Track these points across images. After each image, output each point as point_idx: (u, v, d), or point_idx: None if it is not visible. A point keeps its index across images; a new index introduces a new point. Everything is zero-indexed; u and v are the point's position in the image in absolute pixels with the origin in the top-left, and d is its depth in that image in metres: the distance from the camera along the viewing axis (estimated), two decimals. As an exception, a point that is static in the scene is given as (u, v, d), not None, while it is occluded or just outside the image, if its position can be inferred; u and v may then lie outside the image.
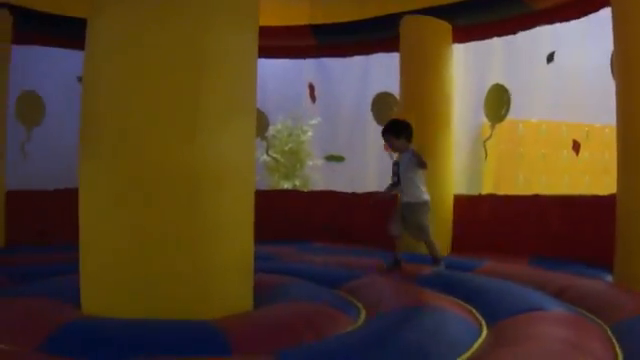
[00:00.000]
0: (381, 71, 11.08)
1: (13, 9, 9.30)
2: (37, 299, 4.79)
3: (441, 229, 9.04)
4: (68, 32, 9.41)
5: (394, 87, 9.92)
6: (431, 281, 6.03)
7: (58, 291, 5.10)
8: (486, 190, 10.79)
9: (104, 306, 4.45)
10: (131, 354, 3.60)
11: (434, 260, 7.10)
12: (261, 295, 4.95)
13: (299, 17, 10.21)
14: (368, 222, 9.92)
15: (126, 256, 4.42)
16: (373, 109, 10.79)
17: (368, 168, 11.95)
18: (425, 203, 7.08)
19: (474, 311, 4.94)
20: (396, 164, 7.21)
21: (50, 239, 9.17)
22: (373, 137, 11.18)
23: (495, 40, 9.88)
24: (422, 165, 6.90)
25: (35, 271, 6.38)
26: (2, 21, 9.29)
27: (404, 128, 7.19)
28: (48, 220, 9.71)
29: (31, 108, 10.36)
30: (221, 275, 4.53)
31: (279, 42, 10.50)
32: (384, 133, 7.25)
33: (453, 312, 4.63)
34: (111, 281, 4.48)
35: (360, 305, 5.18)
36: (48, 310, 4.48)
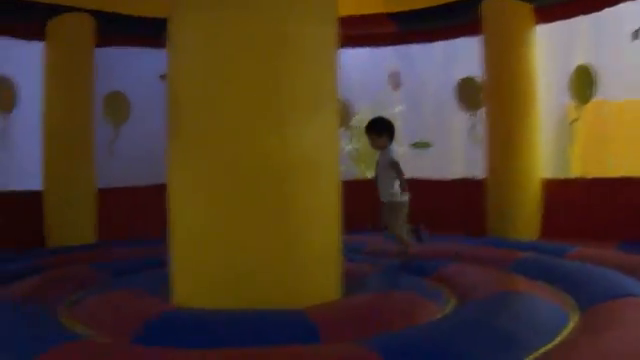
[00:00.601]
0: (464, 56, 10.94)
1: (95, 13, 9.63)
2: (130, 292, 4.99)
3: (529, 213, 8.95)
4: (149, 32, 9.68)
5: (478, 72, 9.82)
6: (521, 267, 5.97)
7: (150, 284, 5.30)
8: (574, 173, 10.55)
9: (195, 297, 4.60)
10: (223, 343, 3.72)
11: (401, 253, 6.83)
12: (349, 284, 5.01)
13: (378, 5, 10.20)
14: (456, 209, 9.88)
15: (216, 248, 4.56)
16: (457, 94, 10.72)
17: (455, 154, 11.84)
18: (399, 204, 6.85)
19: (565, 297, 4.89)
20: (376, 164, 7.05)
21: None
22: (458, 123, 11.08)
23: (579, 20, 9.66)
24: (393, 166, 6.74)
25: (127, 266, 6.62)
26: (85, 25, 9.65)
27: (387, 127, 7.01)
28: (138, 215, 10.02)
29: (117, 107, 10.71)
30: (310, 264, 4.62)
31: (360, 31, 10.51)
32: (367, 130, 7.10)
33: (543, 298, 4.60)
34: (202, 273, 4.62)
35: (449, 293, 5.19)
36: (142, 303, 4.67)
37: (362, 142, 12.20)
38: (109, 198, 9.93)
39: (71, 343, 3.75)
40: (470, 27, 9.83)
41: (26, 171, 9.84)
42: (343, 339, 3.79)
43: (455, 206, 10.02)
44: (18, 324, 4.24)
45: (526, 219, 9.03)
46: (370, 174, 12.37)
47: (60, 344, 3.66)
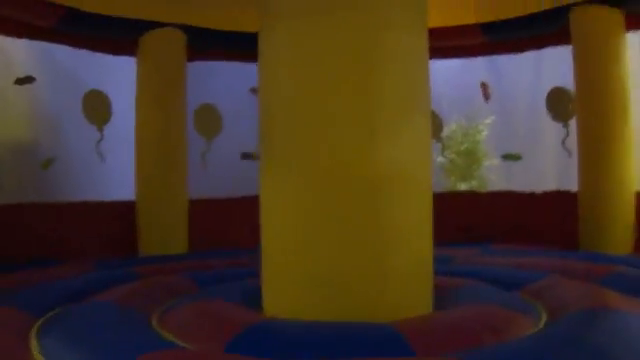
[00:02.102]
0: (555, 65, 10.76)
1: (186, 28, 9.86)
2: (221, 302, 5.05)
3: (622, 227, 8.73)
4: (239, 46, 9.84)
5: (569, 81, 9.64)
6: (614, 282, 5.81)
7: (241, 294, 5.36)
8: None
9: (286, 308, 4.63)
10: (313, 355, 3.73)
11: None
12: (441, 297, 4.97)
13: (467, 16, 10.13)
14: (549, 222, 9.71)
15: (307, 260, 4.58)
16: (548, 105, 10.54)
17: (546, 166, 11.64)
18: None
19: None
20: None
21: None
22: (550, 134, 10.89)
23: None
24: None
25: (219, 275, 6.71)
26: (176, 40, 9.89)
27: None
28: (229, 226, 10.16)
29: (209, 120, 10.91)
30: (401, 278, 4.58)
31: (449, 42, 10.47)
32: None
33: (638, 314, 4.47)
34: (292, 284, 4.65)
35: (541, 307, 5.09)
36: (232, 312, 4.71)
37: (454, 154, 12.14)
38: (201, 209, 10.11)
39: (165, 351, 3.82)
40: (560, 36, 9.68)
41: (120, 182, 10.11)
42: (435, 353, 3.75)
43: (547, 219, 9.84)
44: (114, 330, 4.35)
45: (620, 233, 8.80)
46: (463, 186, 12.31)
47: (154, 351, 3.73)
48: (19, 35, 9.26)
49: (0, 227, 8.80)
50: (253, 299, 5.03)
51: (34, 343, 4.30)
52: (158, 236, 9.55)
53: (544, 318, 4.79)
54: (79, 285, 6.21)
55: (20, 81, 9.61)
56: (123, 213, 9.88)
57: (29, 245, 8.86)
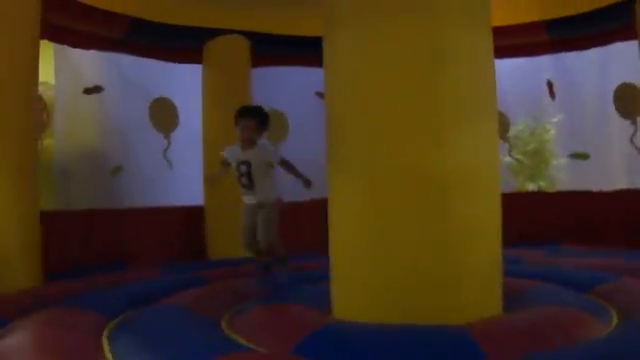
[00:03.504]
0: (622, 61, 10.55)
1: (249, 34, 9.96)
2: (290, 305, 5.09)
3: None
4: (303, 51, 9.89)
5: (637, 77, 9.45)
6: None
7: (310, 298, 5.40)
8: None
9: (355, 311, 4.64)
10: (382, 358, 3.74)
11: (279, 259, 6.50)
12: (510, 299, 4.93)
13: (530, 14, 10.02)
14: (619, 221, 9.53)
15: (377, 262, 4.58)
16: (616, 102, 10.35)
17: (615, 164, 11.42)
18: (278, 200, 6.41)
19: None
20: (245, 163, 6.25)
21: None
22: (618, 131, 10.68)
23: None
24: (284, 164, 6.47)
25: (286, 279, 6.75)
26: (240, 46, 10.01)
27: (268, 119, 6.49)
28: (296, 230, 10.21)
29: (276, 125, 10.99)
30: (471, 279, 4.55)
31: (513, 41, 10.35)
32: (249, 116, 6.34)
33: None
34: (362, 287, 4.65)
35: (612, 309, 5.00)
36: (301, 315, 4.76)
37: (522, 153, 12.00)
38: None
39: (238, 353, 3.86)
40: (626, 31, 9.48)
41: (188, 188, 10.26)
42: (505, 356, 3.73)
43: (616, 218, 9.66)
44: (185, 333, 4.42)
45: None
46: (532, 186, 12.14)
47: (227, 354, 3.78)
48: (87, 46, 9.48)
49: (72, 233, 9.02)
50: (322, 302, 5.06)
51: (106, 344, 4.40)
52: (226, 240, 9.65)
53: (615, 320, 4.70)
54: (149, 289, 6.33)
55: (89, 91, 9.84)
56: (191, 218, 10.05)
57: (100, 250, 9.07)
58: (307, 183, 6.49)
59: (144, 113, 10.19)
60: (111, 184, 10.07)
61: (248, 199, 6.39)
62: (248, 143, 6.26)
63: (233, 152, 6.36)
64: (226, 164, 6.47)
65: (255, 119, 6.30)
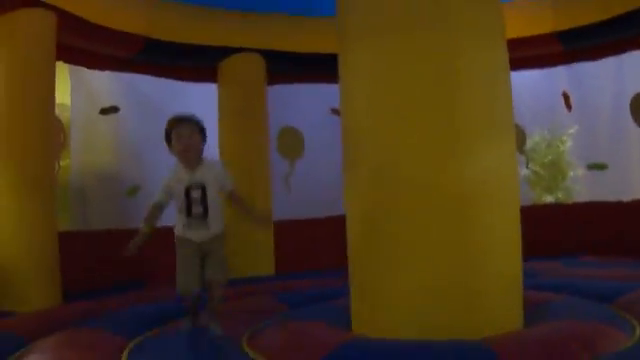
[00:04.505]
0: (637, 70, 10.53)
1: (264, 52, 9.99)
2: (310, 322, 5.07)
3: None
4: (318, 68, 9.92)
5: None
6: None
7: (329, 315, 5.37)
8: None
9: (375, 327, 4.61)
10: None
11: (214, 304, 5.29)
12: (531, 313, 4.89)
13: (543, 25, 10.00)
14: (638, 233, 9.47)
15: (396, 278, 4.54)
16: (632, 110, 10.31)
17: (634, 173, 11.36)
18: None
19: None
20: (198, 187, 5.08)
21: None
22: (635, 140, 10.64)
23: None
24: (229, 193, 5.23)
25: (306, 297, 6.74)
26: (255, 64, 10.04)
27: (206, 131, 5.31)
28: (314, 247, 10.20)
29: (292, 142, 11.01)
30: (491, 293, 4.51)
31: (527, 53, 10.34)
32: (193, 122, 5.21)
33: None
34: (382, 303, 4.62)
35: (634, 320, 4.95)
36: (322, 332, 4.73)
37: (539, 166, 11.97)
38: (286, 230, 10.20)
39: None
40: (639, 39, 9.46)
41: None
42: (528, 371, 3.70)
43: (636, 229, 9.60)
44: (205, 352, 4.42)
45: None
46: (549, 198, 12.08)
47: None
48: (101, 67, 9.55)
49: (89, 253, 9.04)
50: (341, 319, 5.04)
51: (126, 366, 4.40)
52: (244, 258, 9.65)
53: (638, 331, 4.66)
54: (168, 308, 6.32)
55: (105, 111, 9.91)
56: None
57: (118, 270, 9.08)
58: (261, 220, 5.77)
59: (160, 133, 10.21)
60: (128, 204, 10.10)
61: (197, 235, 5.15)
62: (195, 160, 5.11)
63: (175, 176, 5.16)
64: (152, 219, 5.39)
65: (199, 127, 5.18)
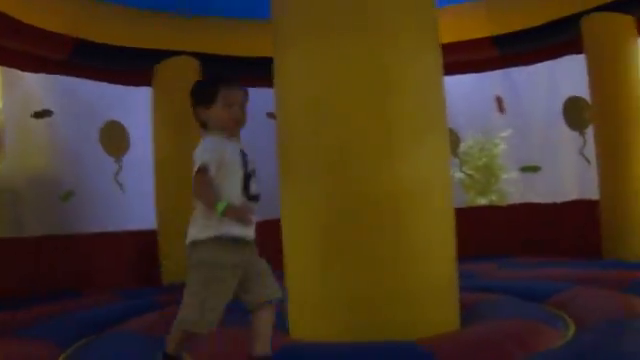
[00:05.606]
0: (570, 75, 10.75)
1: (199, 56, 9.91)
2: (246, 327, 5.04)
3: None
4: (254, 72, 9.86)
5: (584, 90, 9.64)
6: (639, 289, 5.74)
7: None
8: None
9: (312, 331, 4.62)
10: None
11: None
12: (466, 313, 4.95)
13: (480, 30, 10.13)
14: (571, 232, 9.68)
15: (331, 281, 4.55)
16: (564, 114, 10.52)
17: (566, 176, 11.59)
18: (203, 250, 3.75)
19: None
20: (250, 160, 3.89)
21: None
22: (567, 143, 10.85)
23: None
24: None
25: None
26: (190, 68, 9.94)
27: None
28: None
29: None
30: (427, 295, 4.55)
31: (463, 57, 10.46)
32: (243, 92, 4.00)
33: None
34: (317, 306, 4.63)
35: (568, 318, 5.05)
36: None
37: (472, 169, 12.12)
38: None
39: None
40: (572, 45, 9.67)
41: (140, 212, 10.15)
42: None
43: (569, 229, 9.80)
44: (142, 358, 4.36)
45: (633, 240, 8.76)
46: (483, 200, 12.23)
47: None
48: (33, 69, 9.35)
49: (22, 260, 8.85)
50: (278, 324, 5.02)
51: (61, 375, 4.32)
52: (180, 264, 9.55)
53: (572, 329, 4.75)
54: (103, 316, 6.23)
55: (38, 115, 9.70)
56: (144, 242, 9.91)
57: (52, 277, 8.91)
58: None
59: (95, 137, 10.06)
60: (62, 209, 9.92)
61: (250, 230, 3.80)
62: (237, 136, 4.01)
63: (221, 146, 3.81)
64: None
65: (247, 97, 4.02)
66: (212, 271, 3.63)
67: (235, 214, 3.54)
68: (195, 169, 3.70)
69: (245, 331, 4.05)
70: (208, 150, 3.74)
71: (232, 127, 3.89)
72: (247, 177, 3.78)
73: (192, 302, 3.68)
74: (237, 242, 3.65)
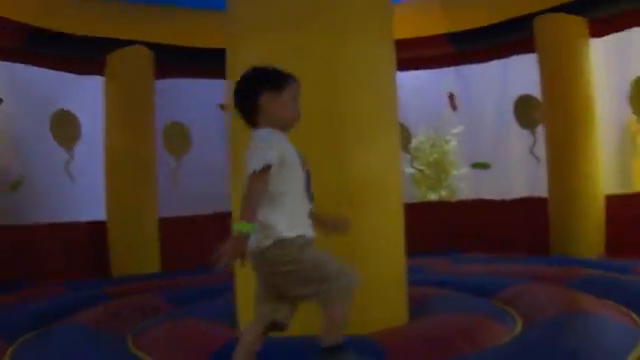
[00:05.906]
0: (522, 74, 10.88)
1: (153, 46, 9.81)
2: (197, 320, 5.03)
3: (592, 230, 8.90)
4: (207, 63, 9.80)
5: (535, 89, 9.76)
6: (586, 285, 5.84)
7: (215, 313, 5.33)
8: (638, 188, 10.40)
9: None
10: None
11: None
12: (416, 308, 4.98)
13: (434, 27, 10.19)
14: (520, 229, 9.82)
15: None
16: (515, 113, 10.65)
17: (516, 173, 11.75)
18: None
19: (633, 315, 4.79)
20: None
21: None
22: (518, 141, 11.00)
23: (634, 31, 9.57)
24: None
25: (192, 294, 6.68)
26: (143, 58, 9.84)
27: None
28: (200, 244, 10.13)
29: (178, 138, 10.89)
30: (376, 289, 4.55)
31: (418, 53, 10.51)
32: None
33: (611, 317, 4.50)
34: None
35: (515, 314, 5.12)
36: (209, 330, 4.70)
37: (423, 164, 12.20)
38: (172, 227, 10.08)
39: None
40: (525, 44, 9.78)
41: (90, 202, 10.05)
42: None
43: (518, 226, 9.94)
44: (90, 353, 4.32)
45: (590, 236, 8.91)
46: (433, 196, 12.31)
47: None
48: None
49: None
50: (229, 316, 5.01)
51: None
52: (129, 256, 9.49)
53: (519, 324, 4.81)
54: (51, 308, 6.15)
55: (-15, 103, 9.53)
56: (94, 233, 9.81)
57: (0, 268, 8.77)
58: None
59: (45, 126, 9.91)
60: (11, 198, 9.78)
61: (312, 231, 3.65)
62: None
63: (283, 142, 3.51)
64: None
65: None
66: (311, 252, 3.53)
67: (234, 244, 3.28)
68: (254, 166, 3.31)
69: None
70: (270, 147, 3.36)
71: (293, 123, 3.60)
72: (307, 177, 3.61)
73: (332, 271, 3.52)
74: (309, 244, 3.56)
